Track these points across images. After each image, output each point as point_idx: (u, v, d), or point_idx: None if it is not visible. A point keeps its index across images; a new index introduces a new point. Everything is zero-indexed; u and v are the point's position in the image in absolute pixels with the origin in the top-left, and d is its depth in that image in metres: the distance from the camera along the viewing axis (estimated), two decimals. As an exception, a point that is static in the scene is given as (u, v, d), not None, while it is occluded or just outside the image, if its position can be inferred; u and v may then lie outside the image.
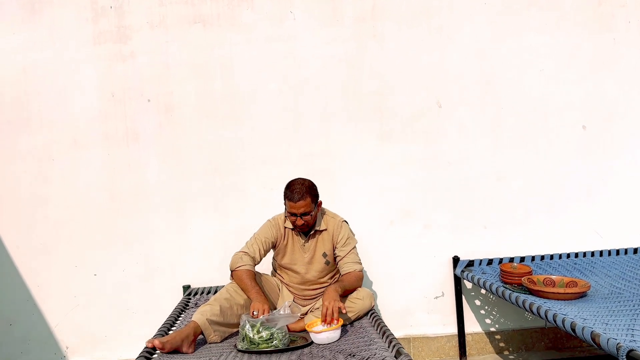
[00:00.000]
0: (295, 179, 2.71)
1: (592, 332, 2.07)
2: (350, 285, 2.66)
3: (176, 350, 2.27)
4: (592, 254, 3.42)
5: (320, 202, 2.76)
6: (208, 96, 3.43)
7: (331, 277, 2.86)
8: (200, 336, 2.43)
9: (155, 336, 2.35)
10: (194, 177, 3.43)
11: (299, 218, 2.65)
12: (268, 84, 3.45)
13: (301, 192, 2.61)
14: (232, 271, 2.68)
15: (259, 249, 2.73)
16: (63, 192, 3.40)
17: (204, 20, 3.41)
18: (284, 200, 2.69)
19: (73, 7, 3.38)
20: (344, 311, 2.43)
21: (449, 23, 3.46)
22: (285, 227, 2.79)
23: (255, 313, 2.38)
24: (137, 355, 2.23)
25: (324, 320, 2.38)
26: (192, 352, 2.30)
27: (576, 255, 3.41)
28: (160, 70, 3.42)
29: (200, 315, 2.42)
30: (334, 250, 2.78)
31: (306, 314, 2.67)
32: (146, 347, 2.23)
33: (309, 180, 2.72)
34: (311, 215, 2.66)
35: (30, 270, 3.40)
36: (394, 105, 3.47)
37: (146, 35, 3.41)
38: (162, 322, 2.74)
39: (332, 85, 3.46)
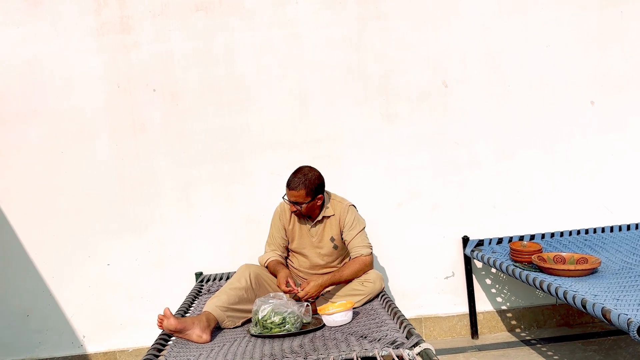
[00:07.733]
0: (303, 168, 2.70)
1: (602, 308, 2.07)
2: (352, 273, 2.67)
3: (189, 340, 2.28)
4: (603, 229, 3.40)
5: (321, 197, 2.73)
6: (212, 83, 3.43)
7: (341, 262, 2.86)
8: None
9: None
10: (201, 164, 3.45)
11: (291, 205, 2.69)
12: (272, 68, 3.44)
13: (298, 182, 2.62)
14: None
15: (275, 244, 2.87)
16: (73, 183, 3.43)
17: (206, 7, 3.40)
18: None
19: (75, -1, 3.38)
20: (310, 298, 2.59)
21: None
22: (291, 212, 2.81)
23: (287, 287, 2.58)
24: (152, 341, 2.26)
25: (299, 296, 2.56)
26: (209, 340, 2.30)
27: (586, 231, 3.40)
28: (164, 59, 3.42)
29: (209, 304, 2.45)
30: (341, 235, 2.79)
31: (317, 298, 2.69)
32: (161, 334, 2.26)
33: (315, 174, 2.68)
34: (302, 206, 2.67)
35: (45, 261, 3.45)
36: (400, 86, 3.45)
37: (149, 24, 3.40)
38: (177, 309, 2.78)
39: (336, 68, 3.44)
